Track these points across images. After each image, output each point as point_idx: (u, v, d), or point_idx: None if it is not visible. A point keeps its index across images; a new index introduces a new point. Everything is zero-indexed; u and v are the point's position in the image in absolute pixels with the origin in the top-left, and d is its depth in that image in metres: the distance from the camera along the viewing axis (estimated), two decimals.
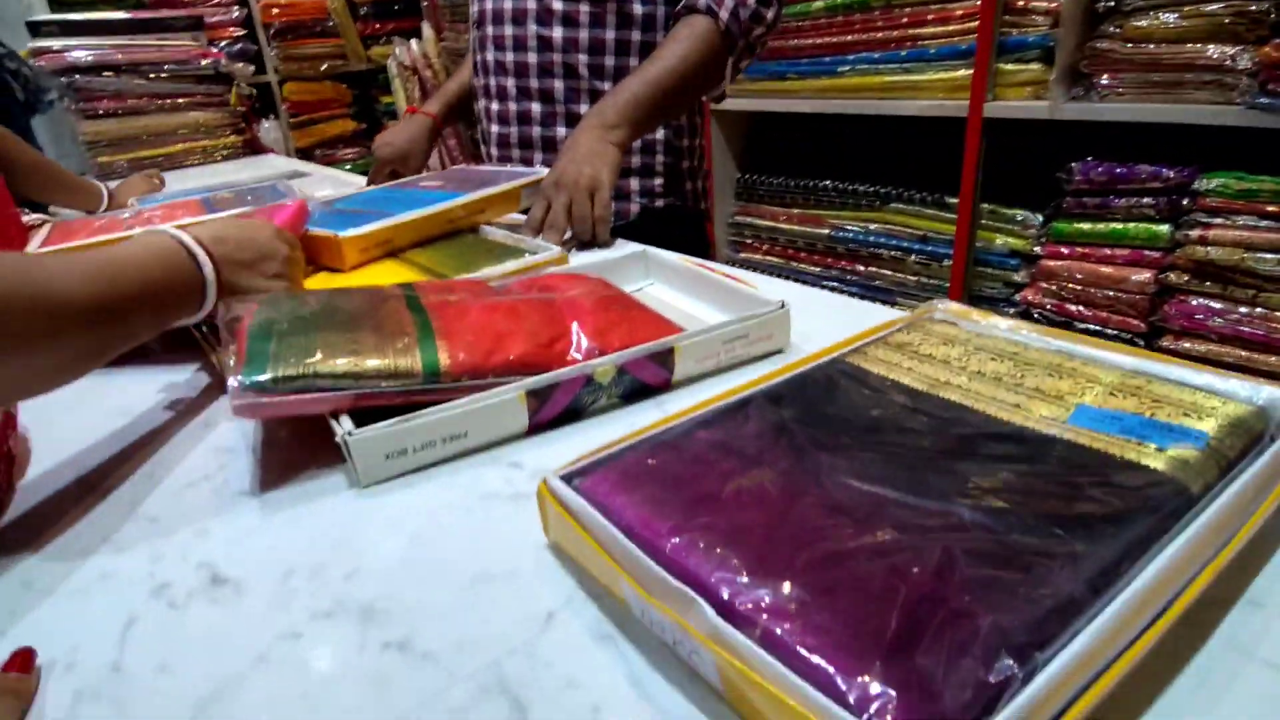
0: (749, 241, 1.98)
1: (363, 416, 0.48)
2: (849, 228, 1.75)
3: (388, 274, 0.77)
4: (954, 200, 1.55)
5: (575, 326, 0.56)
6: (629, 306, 0.62)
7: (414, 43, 3.03)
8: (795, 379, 0.48)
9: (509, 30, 1.03)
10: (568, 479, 0.39)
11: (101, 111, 1.75)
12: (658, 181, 1.11)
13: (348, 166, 3.34)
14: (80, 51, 1.72)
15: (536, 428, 0.52)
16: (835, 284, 1.82)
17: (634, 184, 1.10)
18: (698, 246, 1.22)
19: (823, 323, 0.66)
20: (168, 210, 0.90)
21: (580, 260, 0.77)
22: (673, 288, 0.75)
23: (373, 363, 0.48)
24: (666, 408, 0.54)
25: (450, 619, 0.36)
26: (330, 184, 1.43)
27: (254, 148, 2.04)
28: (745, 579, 0.30)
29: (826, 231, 1.79)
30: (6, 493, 0.49)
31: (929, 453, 0.39)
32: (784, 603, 0.29)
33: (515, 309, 0.57)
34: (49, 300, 0.42)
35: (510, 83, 1.05)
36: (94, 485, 0.50)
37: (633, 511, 0.36)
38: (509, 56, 1.04)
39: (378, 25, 3.26)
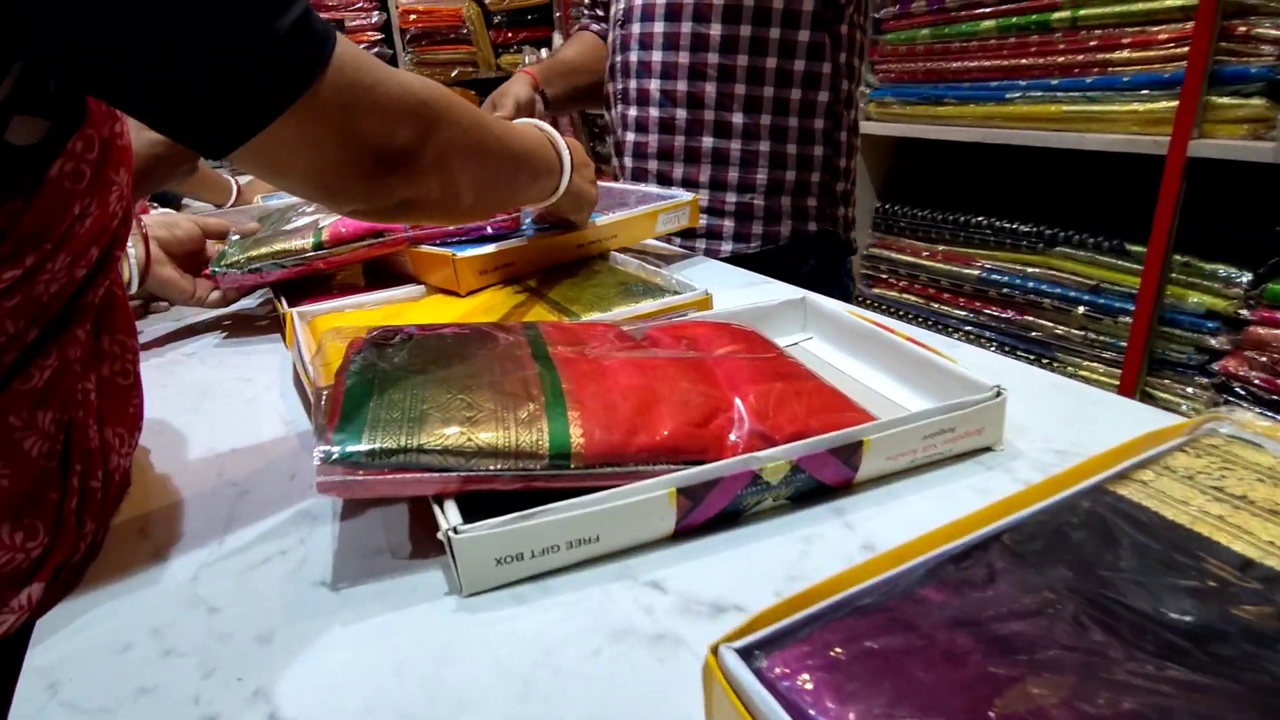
0: (884, 277, 1.82)
1: (471, 497, 0.38)
2: (1003, 270, 1.57)
3: (508, 305, 0.68)
4: (1137, 248, 1.35)
5: (737, 402, 0.45)
6: (798, 376, 0.50)
7: (544, 51, 3.02)
8: (1048, 516, 0.35)
9: (659, 27, 0.93)
10: (747, 652, 0.28)
11: None
12: (811, 203, 0.99)
13: None
14: None
15: (683, 531, 0.41)
16: (980, 330, 1.64)
17: (785, 203, 0.97)
18: (843, 283, 1.09)
19: (1034, 409, 0.52)
20: None
21: (727, 305, 0.65)
22: (836, 346, 0.63)
23: (489, 436, 0.38)
24: (848, 517, 0.42)
25: None
26: None
27: None
28: None
29: (976, 273, 1.61)
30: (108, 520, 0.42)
31: None
32: None
33: (662, 372, 0.47)
34: (513, 154, 0.57)
35: (654, 85, 0.95)
36: (158, 547, 0.42)
37: None
38: (656, 56, 0.94)
39: (509, 34, 3.27)
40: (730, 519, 0.42)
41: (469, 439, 0.38)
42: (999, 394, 0.47)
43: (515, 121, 0.62)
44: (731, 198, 0.96)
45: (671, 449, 0.41)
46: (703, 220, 0.97)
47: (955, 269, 1.65)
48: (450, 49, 3.15)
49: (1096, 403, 0.54)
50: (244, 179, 1.47)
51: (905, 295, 1.78)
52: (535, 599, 0.37)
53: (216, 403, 0.59)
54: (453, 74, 3.23)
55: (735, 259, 0.95)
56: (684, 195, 0.87)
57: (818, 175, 0.98)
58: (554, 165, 0.65)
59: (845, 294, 1.10)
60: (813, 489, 0.43)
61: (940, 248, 1.68)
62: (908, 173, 1.83)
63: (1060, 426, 0.51)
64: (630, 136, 1.00)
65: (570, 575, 0.38)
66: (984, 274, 1.60)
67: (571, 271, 0.76)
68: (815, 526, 0.42)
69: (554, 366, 0.46)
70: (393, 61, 2.99)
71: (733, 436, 0.43)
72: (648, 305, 0.64)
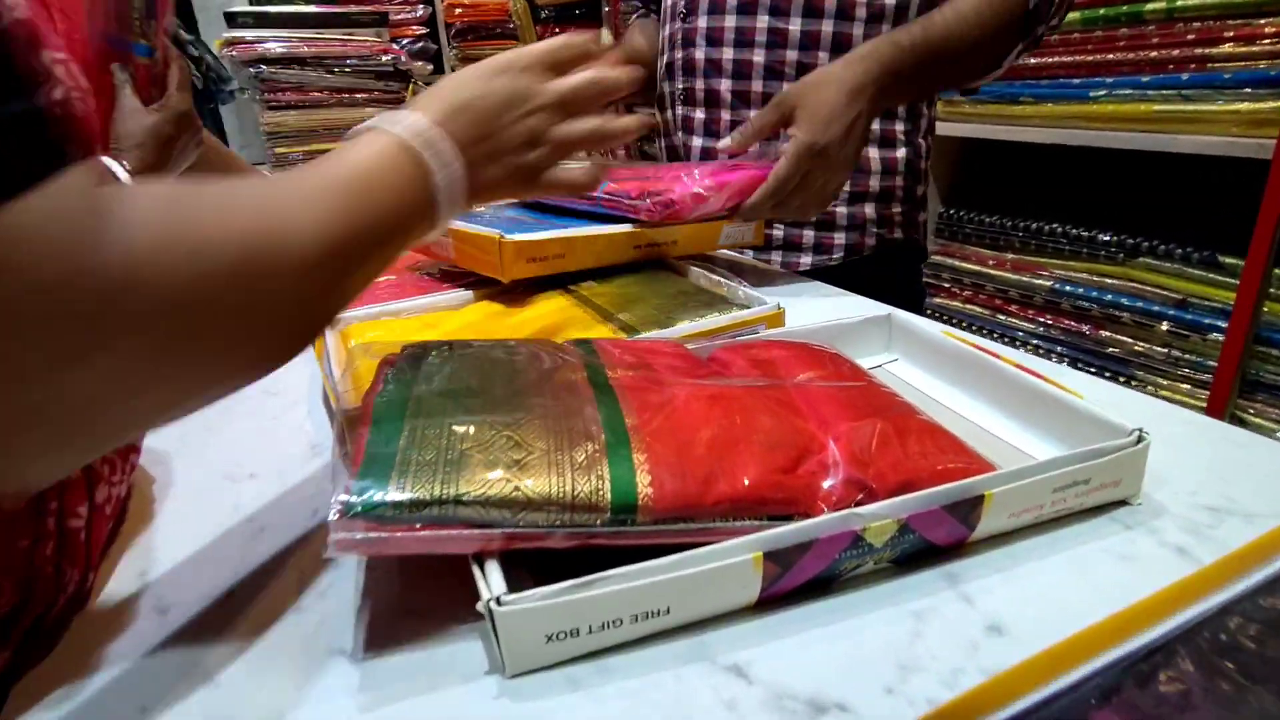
0: (947, 286, 1.72)
1: (516, 555, 0.32)
2: (1078, 281, 1.47)
3: (558, 316, 0.62)
4: (1231, 260, 1.24)
5: (830, 443, 0.38)
6: (897, 410, 0.43)
7: None
8: (1245, 609, 0.28)
9: (731, 21, 0.86)
10: None
11: (284, 103, 1.75)
12: (896, 210, 0.91)
13: None
14: (272, 43, 1.73)
15: (766, 600, 0.34)
16: (1050, 345, 1.54)
17: (869, 210, 0.90)
18: (920, 292, 1.01)
19: (1170, 453, 0.44)
20: None
21: (801, 321, 0.58)
22: (927, 371, 0.56)
23: (541, 485, 0.32)
24: (964, 586, 0.35)
25: None
26: None
27: None
28: None
29: (1048, 283, 1.51)
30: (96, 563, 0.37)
31: None
32: None
33: (739, 403, 0.40)
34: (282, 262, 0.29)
35: (725, 86, 0.88)
36: (158, 596, 0.37)
37: None
38: (727, 54, 0.87)
39: (557, 29, 3.22)
40: (821, 585, 0.35)
41: (517, 488, 0.32)
42: (1141, 439, 0.39)
43: (348, 143, 0.37)
44: None
45: (755, 500, 0.34)
46: (779, 231, 0.90)
47: (1025, 279, 1.55)
48: (496, 44, 3.11)
49: (1242, 446, 0.46)
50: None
51: (969, 306, 1.69)
52: (593, 684, 0.30)
53: (236, 421, 0.54)
54: None
55: (815, 272, 0.88)
56: None
57: (902, 180, 0.90)
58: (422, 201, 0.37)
59: (921, 303, 1.03)
60: (922, 550, 0.36)
61: (1009, 256, 1.58)
62: (975, 176, 1.74)
63: (1206, 475, 0.43)
64: (697, 142, 0.93)
65: (634, 653, 0.32)
66: (1057, 285, 1.50)
67: (628, 278, 0.69)
68: (925, 598, 0.35)
69: (615, 396, 0.39)
70: (438, 57, 2.97)
71: (826, 484, 0.36)
72: (713, 320, 0.58)
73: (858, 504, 0.35)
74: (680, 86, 0.93)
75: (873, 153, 0.88)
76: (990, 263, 1.61)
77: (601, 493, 0.32)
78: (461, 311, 0.66)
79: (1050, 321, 1.53)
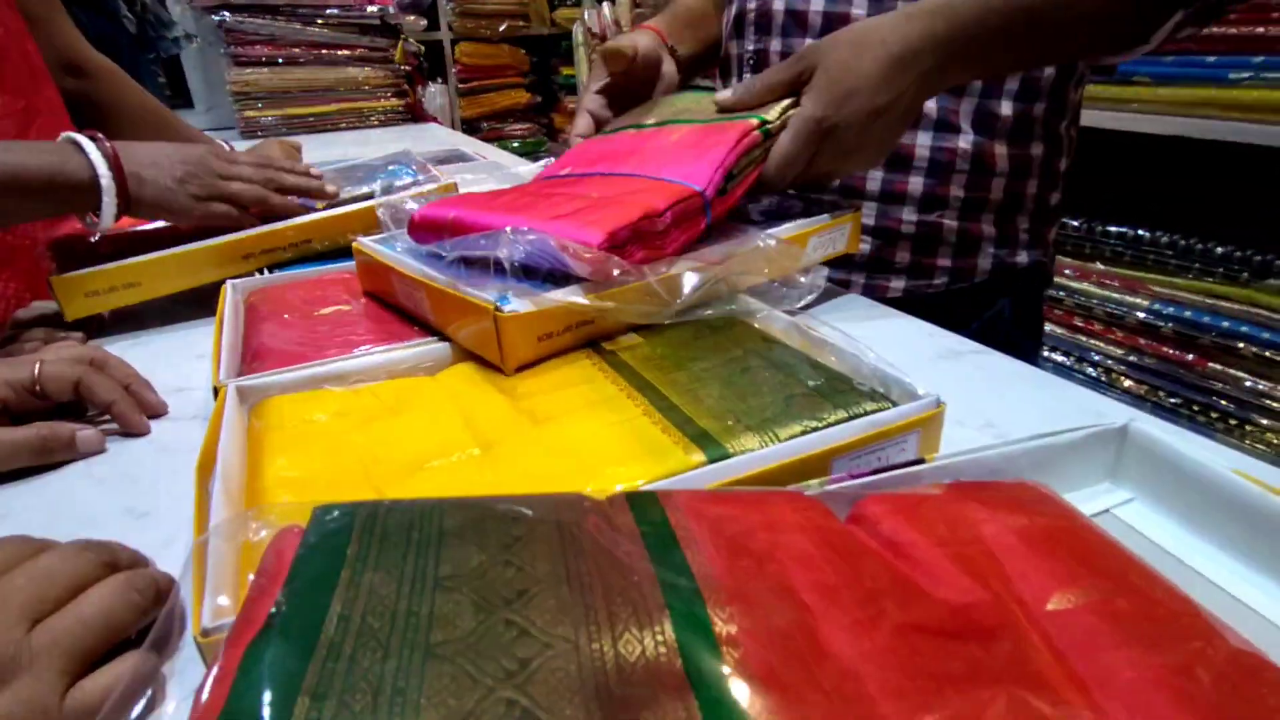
0: None
1: None
2: (1185, 302, 1.24)
3: (587, 407, 0.39)
4: None
5: None
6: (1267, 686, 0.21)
7: (606, 6, 2.72)
8: None
9: None
10: None
11: (253, 58, 1.51)
12: (1023, 225, 0.70)
13: (515, 144, 3.08)
14: None
15: None
16: (1142, 375, 1.32)
17: (986, 226, 0.68)
18: (1038, 330, 0.80)
19: None
20: None
21: (981, 431, 0.36)
22: (1186, 525, 0.34)
23: None
24: None
25: None
26: (493, 175, 1.08)
27: (415, 114, 1.76)
28: None
29: (1147, 302, 1.28)
30: None
31: None
32: None
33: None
34: None
35: (776, 46, 0.67)
36: None
37: None
38: (815, 4, 0.65)
39: None
40: None
41: None
42: None
43: None
44: (911, 216, 0.67)
45: None
46: (865, 245, 0.68)
47: (1119, 295, 1.32)
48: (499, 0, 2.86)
49: None
50: (244, 146, 1.20)
51: (1046, 324, 1.46)
52: None
53: None
54: (501, 28, 2.95)
55: (908, 301, 0.66)
56: (842, 209, 0.58)
57: (1034, 185, 0.68)
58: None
59: (1038, 345, 0.81)
60: None
61: (1100, 267, 1.35)
62: (1070, 173, 1.51)
63: None
64: None
65: None
66: (1157, 305, 1.27)
67: (685, 328, 0.47)
68: None
69: (728, 698, 0.17)
70: (432, 11, 2.70)
71: None
72: (839, 431, 0.35)
73: None
74: (750, 48, 0.70)
75: (1000, 149, 0.66)
76: (1076, 274, 1.39)
77: None
78: (438, 380, 0.44)
79: (1145, 347, 1.31)
